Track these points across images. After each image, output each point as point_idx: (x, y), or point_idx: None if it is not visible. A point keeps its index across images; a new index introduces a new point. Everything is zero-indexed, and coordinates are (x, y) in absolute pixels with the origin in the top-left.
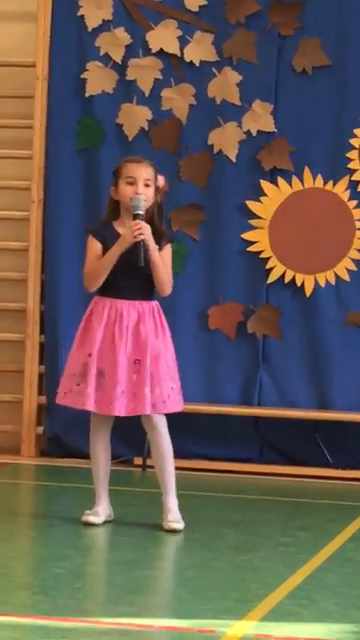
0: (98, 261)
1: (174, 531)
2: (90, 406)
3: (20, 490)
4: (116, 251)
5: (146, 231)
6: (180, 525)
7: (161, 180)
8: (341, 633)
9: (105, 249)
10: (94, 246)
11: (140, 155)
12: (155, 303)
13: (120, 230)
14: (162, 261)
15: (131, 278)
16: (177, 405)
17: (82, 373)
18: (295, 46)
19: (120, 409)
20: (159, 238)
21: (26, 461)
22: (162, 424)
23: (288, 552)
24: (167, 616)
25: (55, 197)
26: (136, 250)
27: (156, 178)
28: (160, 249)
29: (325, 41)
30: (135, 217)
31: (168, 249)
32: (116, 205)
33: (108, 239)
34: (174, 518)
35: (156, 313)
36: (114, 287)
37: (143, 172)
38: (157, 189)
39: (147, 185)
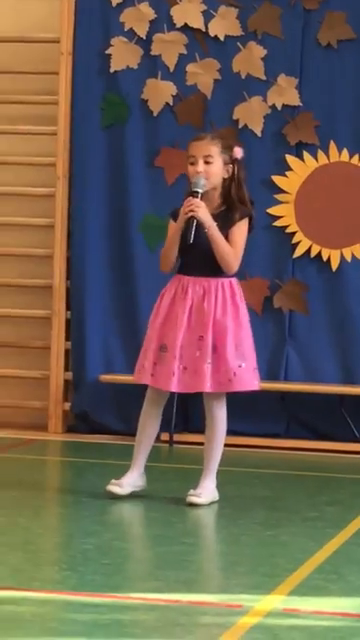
0: None
1: (193, 505)
2: (146, 380)
3: (47, 466)
4: (175, 230)
5: (198, 208)
6: (199, 499)
7: (238, 151)
8: None
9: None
10: (170, 228)
11: (206, 132)
12: (227, 280)
13: None
14: (232, 236)
15: (196, 255)
16: (246, 384)
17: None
18: (320, 20)
19: (177, 385)
20: (234, 214)
21: (53, 437)
22: (219, 407)
23: (315, 527)
24: (195, 591)
25: (80, 173)
26: (187, 227)
27: (227, 150)
28: (232, 225)
29: (350, 14)
30: (192, 195)
31: (240, 225)
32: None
33: None
34: (196, 492)
35: (227, 289)
36: (182, 264)
37: (202, 149)
38: (234, 161)
39: (208, 162)
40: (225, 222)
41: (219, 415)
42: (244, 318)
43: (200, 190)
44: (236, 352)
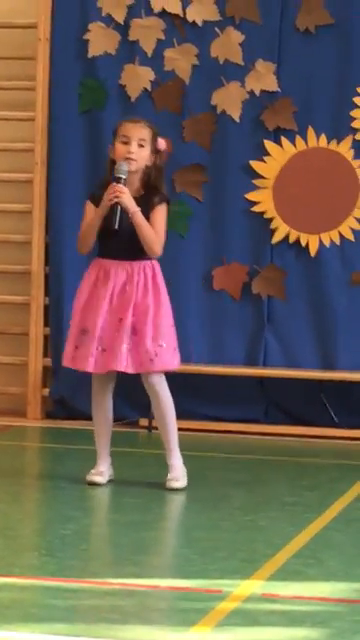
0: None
1: (174, 489)
2: (67, 362)
3: (26, 452)
4: (97, 214)
5: (123, 194)
6: (179, 484)
7: (162, 143)
8: (347, 592)
9: None
10: (87, 210)
11: (141, 116)
12: (148, 262)
13: None
14: (153, 221)
15: (118, 239)
16: (168, 364)
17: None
18: (298, 5)
19: (94, 366)
20: (153, 198)
21: (32, 423)
22: (159, 383)
23: (294, 512)
24: (173, 576)
25: (58, 159)
26: (112, 213)
27: (155, 140)
28: (152, 209)
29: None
30: (116, 180)
31: (160, 209)
32: (114, 164)
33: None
34: (174, 476)
35: (148, 272)
36: (104, 248)
37: (138, 132)
38: (157, 152)
39: (141, 145)
40: (145, 206)
41: (161, 393)
42: (164, 298)
43: (123, 176)
44: (157, 332)
